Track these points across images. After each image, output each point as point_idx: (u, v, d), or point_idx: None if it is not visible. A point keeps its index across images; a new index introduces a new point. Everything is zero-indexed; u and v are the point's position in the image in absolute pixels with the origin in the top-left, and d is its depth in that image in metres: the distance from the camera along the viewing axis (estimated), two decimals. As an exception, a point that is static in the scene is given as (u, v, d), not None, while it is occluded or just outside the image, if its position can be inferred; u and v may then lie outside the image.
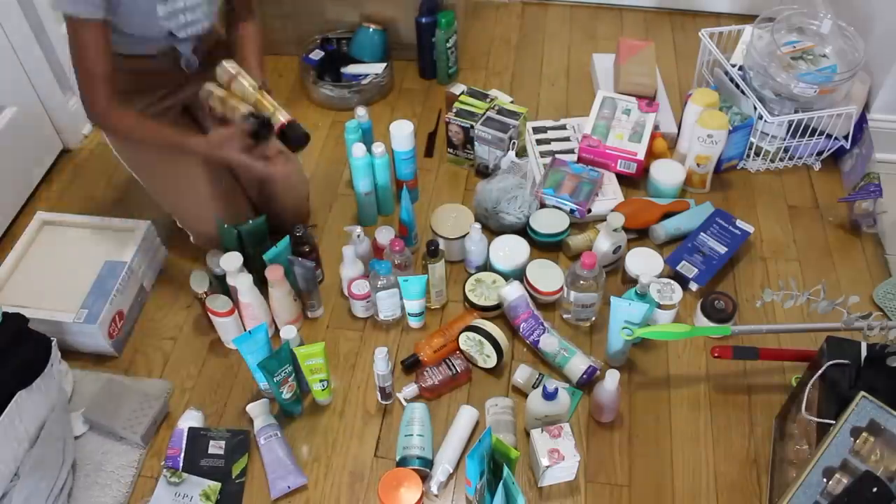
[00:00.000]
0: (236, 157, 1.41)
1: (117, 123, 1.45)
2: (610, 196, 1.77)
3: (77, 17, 1.30)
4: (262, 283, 1.50)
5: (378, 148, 1.65)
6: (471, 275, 1.62)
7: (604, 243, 1.59)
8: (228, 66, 1.43)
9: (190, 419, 1.41)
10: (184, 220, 1.63)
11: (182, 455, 1.36)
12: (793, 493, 1.07)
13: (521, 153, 1.89)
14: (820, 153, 1.89)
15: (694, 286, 1.62)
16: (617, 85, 2.01)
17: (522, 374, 1.45)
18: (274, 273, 1.45)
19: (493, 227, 1.71)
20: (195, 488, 1.31)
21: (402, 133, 1.66)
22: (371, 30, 2.09)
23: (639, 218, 1.70)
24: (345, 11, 2.14)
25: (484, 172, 1.87)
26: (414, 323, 1.57)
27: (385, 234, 1.61)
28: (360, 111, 1.69)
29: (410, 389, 1.44)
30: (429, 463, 1.34)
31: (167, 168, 1.60)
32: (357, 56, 2.09)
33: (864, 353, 1.21)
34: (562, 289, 1.56)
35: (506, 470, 1.21)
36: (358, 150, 1.63)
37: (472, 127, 1.81)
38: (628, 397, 1.46)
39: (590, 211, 1.71)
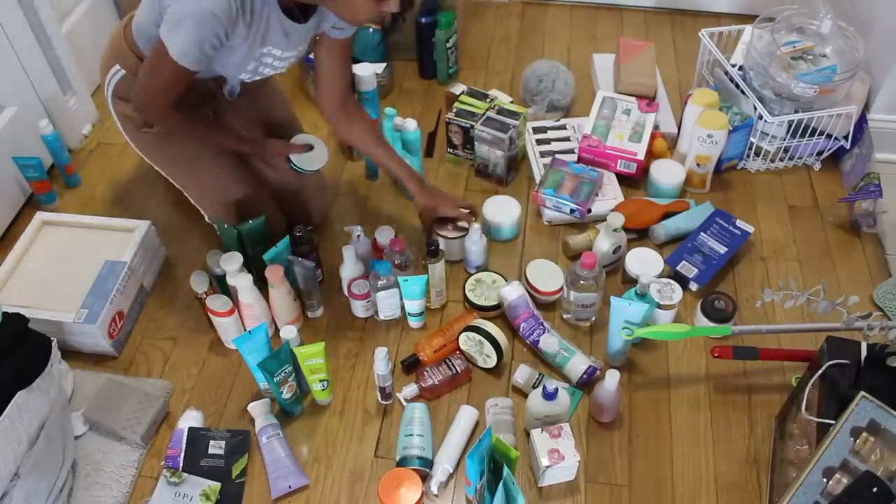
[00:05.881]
0: (280, 167, 1.57)
1: (171, 125, 1.49)
2: (610, 196, 1.77)
3: (177, 63, 1.30)
4: (262, 283, 1.50)
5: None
6: (471, 275, 1.62)
7: (604, 243, 1.59)
8: None
9: (190, 419, 1.41)
10: (203, 189, 1.61)
11: (182, 455, 1.36)
12: (793, 493, 1.07)
13: (522, 154, 1.89)
14: (820, 153, 1.89)
15: (694, 286, 1.62)
16: (617, 85, 2.01)
17: (522, 374, 1.45)
18: (274, 273, 1.45)
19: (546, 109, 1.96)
20: (195, 488, 1.31)
21: (365, 73, 1.80)
22: (371, 30, 2.09)
23: (639, 218, 1.70)
24: (345, 11, 2.13)
25: (483, 172, 1.87)
26: (414, 323, 1.57)
27: (385, 234, 1.61)
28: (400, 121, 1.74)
29: (410, 389, 1.44)
30: (429, 463, 1.34)
31: (192, 163, 1.60)
32: (357, 56, 2.09)
33: (864, 353, 1.21)
34: (562, 289, 1.56)
35: (506, 470, 1.21)
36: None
37: (472, 127, 1.81)
38: (628, 397, 1.46)
39: (590, 211, 1.71)
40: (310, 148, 1.58)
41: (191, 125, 1.50)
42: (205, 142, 1.57)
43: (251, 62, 1.41)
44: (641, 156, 1.78)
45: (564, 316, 1.58)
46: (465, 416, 1.39)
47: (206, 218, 1.65)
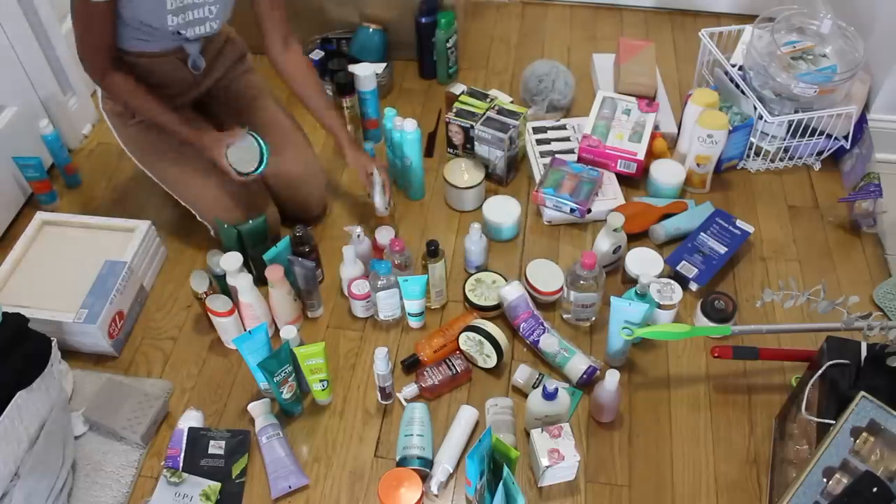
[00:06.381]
0: (220, 161, 1.51)
1: (115, 87, 1.50)
2: (610, 196, 1.77)
3: None
4: (262, 283, 1.50)
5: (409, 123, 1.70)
6: (471, 275, 1.62)
7: (604, 243, 1.59)
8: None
9: (190, 419, 1.41)
10: (202, 213, 1.63)
11: (182, 455, 1.36)
12: (793, 493, 1.07)
13: (522, 154, 1.89)
14: (820, 153, 1.89)
15: (694, 286, 1.62)
16: (617, 85, 2.01)
17: (522, 374, 1.45)
18: (274, 273, 1.45)
19: (546, 109, 1.97)
20: (195, 488, 1.31)
21: (365, 73, 1.83)
22: (371, 30, 2.09)
23: (636, 222, 1.70)
24: (345, 11, 2.14)
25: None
26: (414, 323, 1.57)
27: (385, 234, 1.61)
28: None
29: (410, 389, 1.44)
30: (429, 463, 1.34)
31: (179, 162, 1.61)
32: (357, 56, 2.09)
33: (864, 353, 1.21)
34: (562, 289, 1.56)
35: (506, 470, 1.21)
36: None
37: (472, 127, 1.81)
38: (628, 397, 1.46)
39: (589, 210, 1.71)
40: (249, 146, 1.53)
41: (138, 93, 1.50)
42: (152, 116, 1.54)
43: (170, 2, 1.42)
44: (641, 156, 1.78)
45: (564, 316, 1.58)
46: (465, 416, 1.39)
47: (198, 216, 1.65)
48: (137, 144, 1.64)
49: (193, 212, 1.65)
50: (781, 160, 1.89)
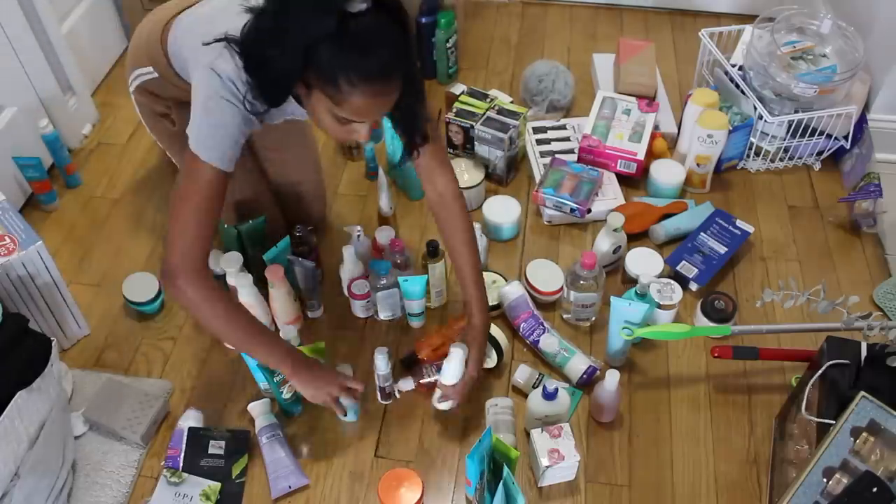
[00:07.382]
0: (330, 396, 1.31)
1: (192, 291, 1.17)
2: (610, 196, 1.77)
3: (210, 163, 1.18)
4: (262, 283, 1.50)
5: None
6: (471, 275, 1.62)
7: (604, 243, 1.59)
8: None
9: (190, 419, 1.41)
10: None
11: (182, 455, 1.36)
12: (793, 493, 1.07)
13: (522, 154, 1.89)
14: (820, 153, 1.89)
15: (694, 286, 1.62)
16: (617, 85, 2.01)
17: (522, 374, 1.45)
18: (274, 273, 1.45)
19: (546, 109, 1.97)
20: (195, 488, 1.31)
21: None
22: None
23: (636, 222, 1.70)
24: (345, 11, 2.13)
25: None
26: (414, 323, 1.57)
27: (385, 234, 1.61)
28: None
29: (406, 382, 1.43)
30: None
31: None
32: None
33: (864, 353, 1.21)
34: (562, 289, 1.56)
35: (506, 470, 1.21)
36: None
37: (472, 127, 1.81)
38: (628, 397, 1.46)
39: (589, 210, 1.71)
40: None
41: (218, 297, 1.21)
42: (237, 339, 1.26)
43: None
44: (641, 156, 1.78)
45: (564, 316, 1.58)
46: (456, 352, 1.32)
47: None
48: (161, 135, 1.62)
49: None
50: (781, 160, 1.89)
